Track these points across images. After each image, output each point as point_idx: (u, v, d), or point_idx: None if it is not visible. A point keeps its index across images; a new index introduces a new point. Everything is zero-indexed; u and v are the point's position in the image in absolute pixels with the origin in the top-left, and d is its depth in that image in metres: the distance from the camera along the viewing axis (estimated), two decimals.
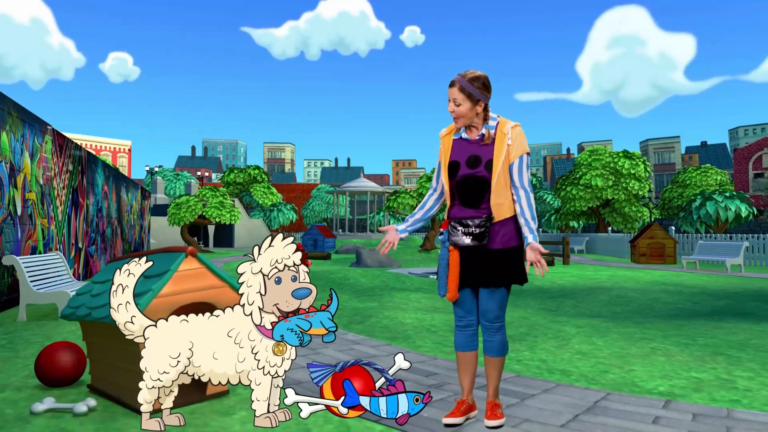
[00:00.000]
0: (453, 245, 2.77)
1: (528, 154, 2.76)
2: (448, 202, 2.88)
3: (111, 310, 2.67)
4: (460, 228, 2.74)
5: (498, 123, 2.79)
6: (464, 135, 2.83)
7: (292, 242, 2.58)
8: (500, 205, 2.72)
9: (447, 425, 2.79)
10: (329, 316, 2.51)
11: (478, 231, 2.70)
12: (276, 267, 2.53)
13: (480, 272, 2.73)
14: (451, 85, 2.76)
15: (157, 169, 60.94)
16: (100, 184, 13.25)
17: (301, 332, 2.50)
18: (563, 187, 30.47)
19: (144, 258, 2.75)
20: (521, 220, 2.74)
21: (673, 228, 21.24)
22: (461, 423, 2.80)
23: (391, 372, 2.64)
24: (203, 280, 3.19)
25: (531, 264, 2.72)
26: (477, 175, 2.73)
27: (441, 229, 2.88)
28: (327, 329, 2.49)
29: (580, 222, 36.87)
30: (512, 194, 2.76)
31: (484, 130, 2.77)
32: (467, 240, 2.72)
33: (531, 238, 2.70)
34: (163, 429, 2.70)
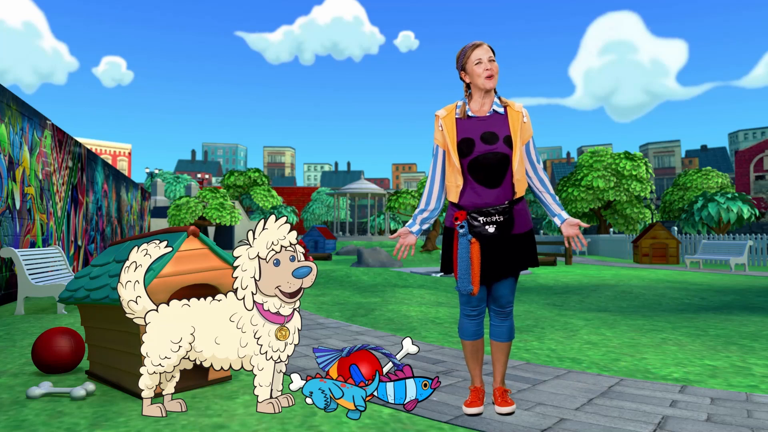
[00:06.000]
0: (475, 236, 2.56)
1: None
2: (458, 185, 2.64)
3: (119, 285, 2.58)
4: (481, 218, 2.56)
5: (506, 102, 2.68)
6: (470, 113, 2.64)
7: (286, 222, 2.51)
8: (519, 182, 2.62)
9: (470, 415, 2.66)
10: (363, 395, 2.39)
11: (502, 219, 2.55)
12: (273, 249, 2.44)
13: (502, 261, 2.59)
14: (479, 45, 2.60)
15: (157, 171, 60.89)
16: (100, 182, 13.17)
17: (331, 397, 2.40)
18: (564, 188, 30.38)
19: (165, 242, 2.66)
20: (549, 199, 2.70)
21: (676, 229, 21.15)
22: (483, 411, 2.69)
23: (398, 357, 2.54)
24: (205, 261, 3.10)
25: (569, 238, 2.68)
26: (497, 152, 2.56)
27: (459, 222, 2.59)
28: (356, 406, 2.39)
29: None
30: (532, 176, 2.69)
31: (497, 99, 2.66)
32: (491, 229, 2.55)
33: (565, 214, 2.68)
34: (164, 415, 2.61)
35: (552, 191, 2.73)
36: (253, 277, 2.45)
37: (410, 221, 2.81)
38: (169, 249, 2.65)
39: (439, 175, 2.74)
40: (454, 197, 2.67)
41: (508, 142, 2.59)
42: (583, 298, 8.45)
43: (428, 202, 2.77)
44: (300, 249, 2.53)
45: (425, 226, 2.81)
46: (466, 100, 2.67)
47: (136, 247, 2.60)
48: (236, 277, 2.48)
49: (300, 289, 2.47)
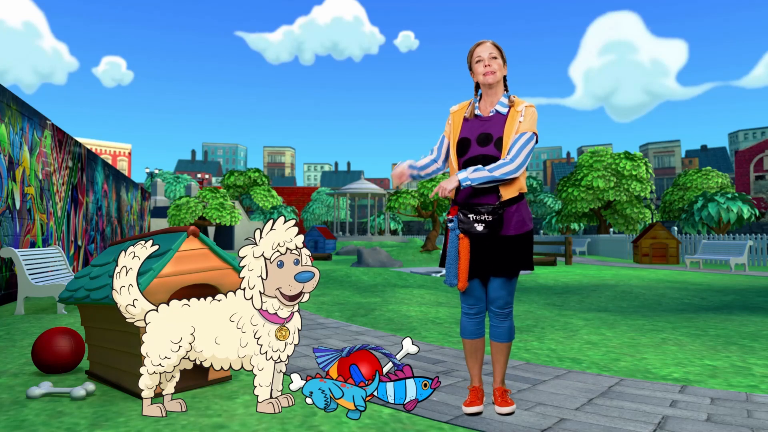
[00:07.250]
0: (463, 232, 2.59)
1: (535, 134, 2.59)
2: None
3: (113, 292, 2.58)
4: (471, 215, 2.57)
5: (513, 101, 2.68)
6: (477, 111, 2.69)
7: (294, 225, 2.50)
8: (511, 184, 2.59)
9: (469, 414, 2.66)
10: (363, 395, 2.39)
11: (491, 218, 2.54)
12: (278, 250, 2.44)
13: (492, 261, 2.59)
14: (481, 43, 2.66)
15: (157, 172, 60.91)
16: (100, 182, 13.17)
17: (331, 398, 2.40)
18: (564, 188, 30.38)
19: (150, 241, 2.66)
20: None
21: (675, 229, 21.15)
22: (483, 411, 2.69)
23: (398, 356, 2.54)
24: (205, 261, 3.10)
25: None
26: (487, 155, 2.59)
27: (450, 216, 2.68)
28: (356, 406, 2.38)
29: (581, 224, 36.76)
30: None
31: (504, 99, 2.67)
32: (479, 227, 2.55)
33: (462, 175, 2.54)
34: (164, 415, 2.61)
35: (490, 168, 2.54)
36: (260, 276, 2.45)
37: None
38: (156, 248, 2.65)
39: (438, 155, 2.83)
40: (454, 194, 2.73)
41: (499, 144, 2.59)
42: (583, 298, 8.45)
43: (421, 165, 2.87)
44: (306, 253, 2.52)
45: (415, 172, 2.86)
46: (476, 100, 2.74)
47: (123, 252, 2.59)
48: (243, 277, 2.48)
49: (300, 293, 2.47)
